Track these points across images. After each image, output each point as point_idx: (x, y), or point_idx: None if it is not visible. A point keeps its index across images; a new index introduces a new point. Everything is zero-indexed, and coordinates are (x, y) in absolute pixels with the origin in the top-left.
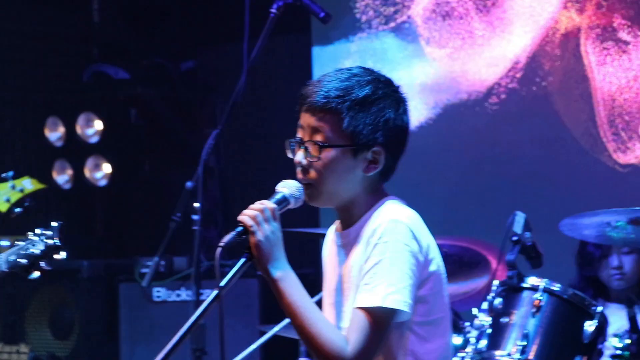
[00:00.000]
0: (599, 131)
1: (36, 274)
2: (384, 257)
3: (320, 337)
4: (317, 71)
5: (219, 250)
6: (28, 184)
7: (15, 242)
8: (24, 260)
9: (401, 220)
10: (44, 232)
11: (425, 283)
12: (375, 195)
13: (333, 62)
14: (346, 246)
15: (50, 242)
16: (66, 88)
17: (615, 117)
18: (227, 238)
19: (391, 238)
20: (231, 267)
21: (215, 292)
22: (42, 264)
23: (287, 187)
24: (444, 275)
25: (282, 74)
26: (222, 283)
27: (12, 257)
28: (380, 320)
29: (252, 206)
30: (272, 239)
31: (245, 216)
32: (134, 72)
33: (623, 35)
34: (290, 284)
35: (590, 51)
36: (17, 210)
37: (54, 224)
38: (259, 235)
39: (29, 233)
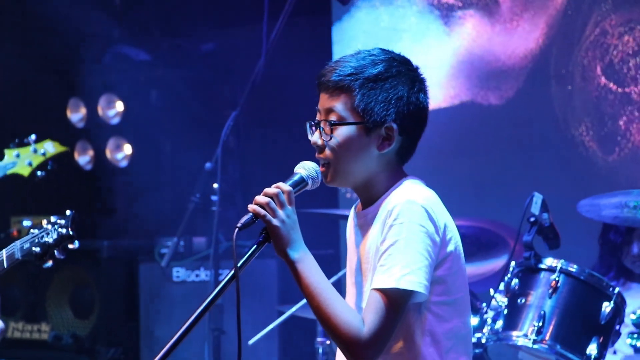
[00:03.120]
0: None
1: (49, 262)
2: (399, 238)
3: (337, 318)
4: (337, 51)
5: (235, 231)
6: (50, 147)
7: (30, 231)
8: (37, 249)
9: (416, 201)
10: (58, 221)
11: (443, 263)
12: (394, 175)
13: (353, 41)
14: (364, 226)
15: (63, 231)
16: (88, 70)
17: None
18: (243, 220)
19: (406, 219)
20: (249, 247)
21: (231, 272)
22: (55, 252)
23: (305, 169)
24: (462, 255)
25: (302, 55)
26: (239, 264)
27: (27, 245)
28: (396, 302)
29: (266, 191)
30: (288, 222)
31: (257, 205)
32: (154, 54)
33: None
34: (308, 266)
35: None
36: (40, 173)
37: (67, 212)
38: (275, 221)
39: (44, 221)
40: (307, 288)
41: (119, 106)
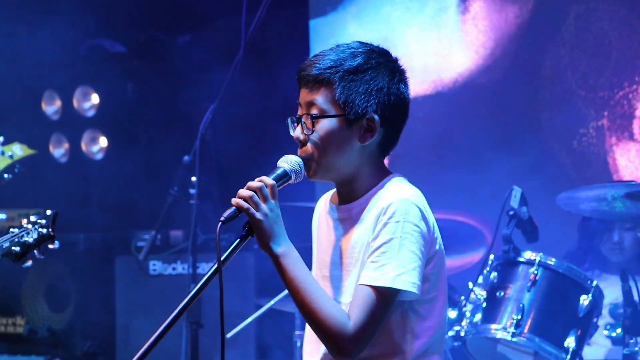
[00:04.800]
0: (598, 107)
1: (29, 262)
2: (394, 236)
3: (322, 313)
4: (315, 45)
5: (219, 225)
6: (18, 150)
7: (10, 230)
8: (17, 248)
9: (412, 200)
10: (38, 220)
11: (430, 262)
12: (379, 171)
13: (331, 35)
14: (346, 220)
15: (44, 231)
16: (63, 62)
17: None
18: (227, 213)
19: (402, 218)
20: (233, 241)
21: (214, 266)
22: (35, 252)
23: (288, 162)
24: (444, 253)
25: (280, 48)
26: (222, 257)
27: (6, 244)
28: (386, 299)
29: (249, 184)
30: (272, 216)
31: (240, 199)
32: (130, 46)
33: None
34: (292, 260)
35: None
36: (7, 176)
37: (48, 212)
38: (258, 215)
39: (24, 220)
40: (291, 282)
41: (95, 99)
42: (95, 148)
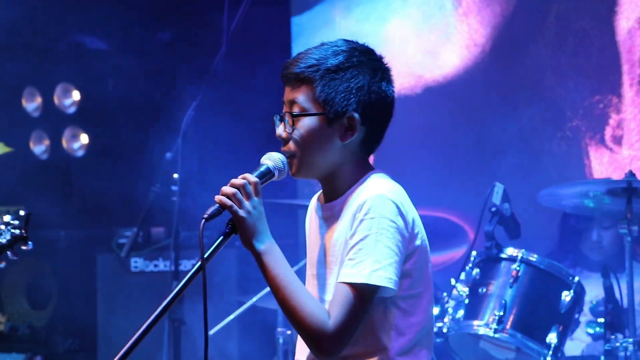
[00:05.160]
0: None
1: (2, 264)
2: (370, 232)
3: (303, 311)
4: (297, 41)
5: (202, 222)
6: None
7: None
8: None
9: (387, 196)
10: (11, 221)
11: (410, 257)
12: (361, 167)
13: (312, 32)
14: (330, 218)
15: (17, 232)
16: (43, 59)
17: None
18: (210, 210)
19: (377, 214)
20: (216, 239)
21: (198, 264)
22: (8, 254)
23: (271, 160)
24: (428, 248)
25: (263, 44)
26: (205, 255)
27: None
28: (364, 297)
29: (232, 181)
30: (255, 214)
31: (223, 196)
32: (111, 43)
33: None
34: (274, 258)
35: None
36: None
37: (21, 212)
38: (241, 212)
39: None
40: (273, 280)
41: (75, 95)
42: (76, 145)
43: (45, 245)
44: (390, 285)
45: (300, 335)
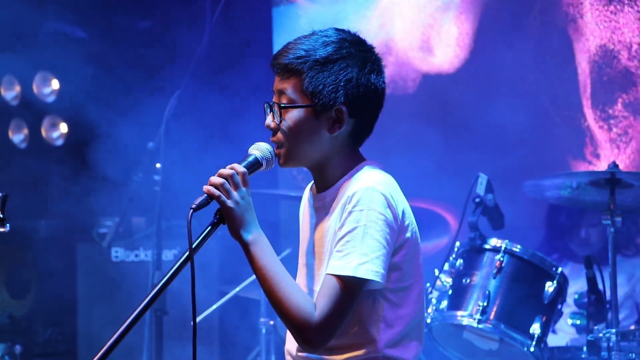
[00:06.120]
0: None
1: None
2: (358, 225)
3: (289, 301)
4: (278, 32)
5: (190, 212)
6: None
7: None
8: None
9: (376, 188)
10: None
11: (400, 250)
12: (351, 159)
13: (293, 22)
14: (320, 209)
15: None
16: (22, 47)
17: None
18: (198, 200)
19: (366, 206)
20: (204, 228)
21: (185, 254)
22: None
23: (259, 150)
24: (418, 241)
25: (245, 34)
26: (194, 245)
27: None
28: (351, 289)
29: (220, 172)
30: (242, 204)
31: (212, 186)
32: (90, 31)
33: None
34: (262, 248)
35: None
36: None
37: None
38: (229, 203)
39: None
40: (260, 270)
41: (55, 84)
42: (55, 134)
43: (24, 234)
44: (377, 278)
45: (287, 326)
